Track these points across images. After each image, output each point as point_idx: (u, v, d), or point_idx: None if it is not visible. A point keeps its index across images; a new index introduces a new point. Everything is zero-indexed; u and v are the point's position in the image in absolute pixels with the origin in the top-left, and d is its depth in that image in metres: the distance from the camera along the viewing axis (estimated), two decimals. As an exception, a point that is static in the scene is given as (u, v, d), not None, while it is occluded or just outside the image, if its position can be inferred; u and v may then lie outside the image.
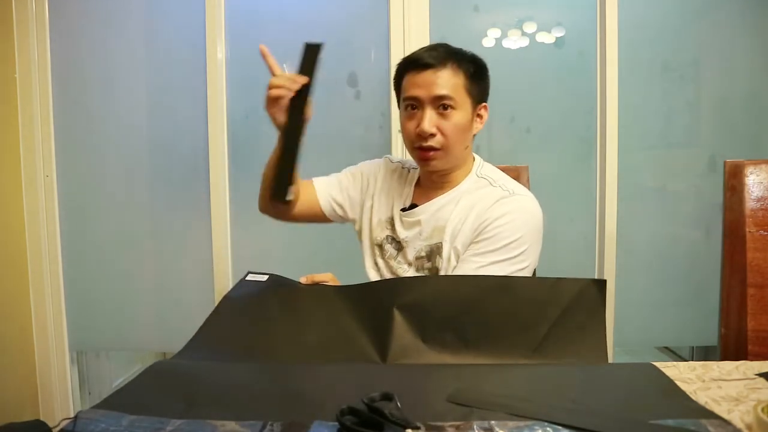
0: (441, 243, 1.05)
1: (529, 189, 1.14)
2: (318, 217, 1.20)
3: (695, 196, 1.78)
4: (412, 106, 1.04)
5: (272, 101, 0.94)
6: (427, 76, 1.01)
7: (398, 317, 0.81)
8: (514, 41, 1.75)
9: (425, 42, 1.70)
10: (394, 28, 1.70)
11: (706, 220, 1.77)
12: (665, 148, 1.78)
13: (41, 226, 1.77)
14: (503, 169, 1.16)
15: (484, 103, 1.09)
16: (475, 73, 1.05)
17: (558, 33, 1.74)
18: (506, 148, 1.77)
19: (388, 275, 1.11)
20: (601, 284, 0.82)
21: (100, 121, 1.79)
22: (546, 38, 1.74)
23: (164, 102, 1.79)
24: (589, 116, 1.76)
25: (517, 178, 1.17)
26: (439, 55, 1.02)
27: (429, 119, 1.01)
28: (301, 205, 1.16)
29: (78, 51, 1.77)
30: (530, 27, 1.74)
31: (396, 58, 1.69)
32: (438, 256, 1.05)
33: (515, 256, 1.00)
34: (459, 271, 1.01)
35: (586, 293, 0.82)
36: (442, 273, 1.05)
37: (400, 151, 1.72)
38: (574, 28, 1.74)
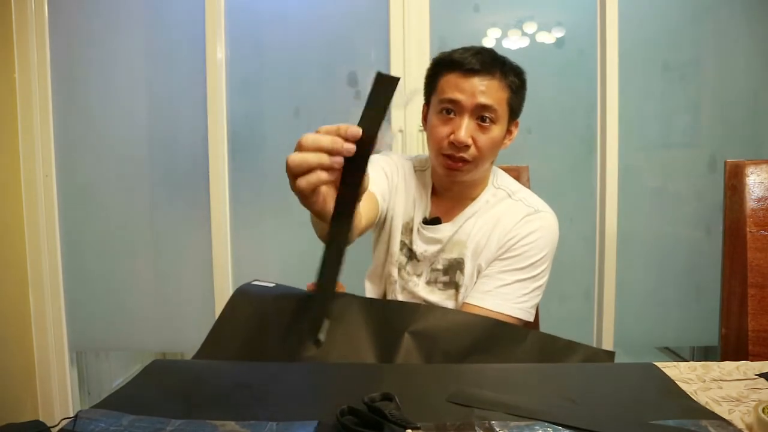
0: (462, 259, 1.03)
1: (529, 189, 1.14)
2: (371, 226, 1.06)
3: (695, 196, 1.78)
4: (448, 110, 0.98)
5: (306, 185, 0.52)
6: (473, 82, 0.95)
7: (407, 341, 0.80)
8: (514, 41, 1.75)
9: (425, 42, 1.70)
10: (394, 28, 1.70)
11: (707, 220, 1.77)
12: (665, 148, 1.79)
13: (41, 226, 1.77)
14: (504, 169, 1.16)
15: (516, 120, 1.04)
16: (519, 87, 1.01)
17: (558, 33, 1.74)
18: (506, 148, 1.77)
19: (397, 285, 1.08)
20: (610, 355, 0.83)
21: (99, 120, 1.79)
22: (546, 38, 1.74)
23: (164, 102, 1.79)
24: (589, 116, 1.76)
25: (517, 178, 1.17)
26: (486, 61, 0.96)
27: (466, 129, 0.95)
28: (368, 220, 0.98)
29: (78, 51, 1.77)
30: (530, 27, 1.74)
31: (396, 58, 1.69)
32: (458, 271, 1.03)
33: (537, 274, 1.00)
34: (480, 287, 1.00)
35: (594, 361, 0.82)
36: (462, 289, 1.03)
37: (399, 151, 1.72)
38: (574, 28, 1.74)
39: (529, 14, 1.74)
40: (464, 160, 0.98)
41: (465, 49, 0.99)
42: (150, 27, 1.79)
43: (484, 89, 0.95)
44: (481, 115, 0.96)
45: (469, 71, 0.96)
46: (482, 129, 0.97)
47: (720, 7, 1.74)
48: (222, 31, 1.73)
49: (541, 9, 1.74)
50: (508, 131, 1.04)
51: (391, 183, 1.08)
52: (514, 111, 1.02)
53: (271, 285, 0.94)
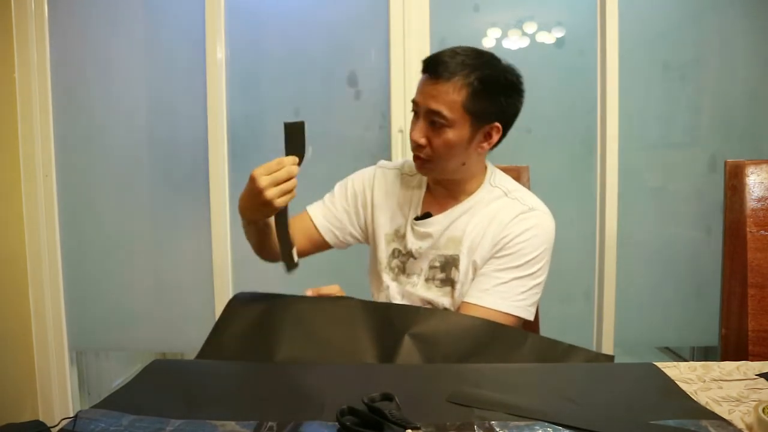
0: (457, 255, 1.03)
1: (529, 189, 1.14)
2: (324, 246, 1.15)
3: (696, 196, 1.78)
4: (413, 110, 1.01)
5: (283, 202, 0.87)
6: (429, 85, 0.97)
7: (408, 344, 0.81)
8: (515, 41, 1.75)
9: (425, 42, 1.70)
10: (394, 28, 1.70)
11: (707, 220, 1.77)
12: (665, 148, 1.78)
13: (40, 226, 1.77)
14: (503, 169, 1.16)
15: (496, 123, 1.00)
16: (483, 91, 0.95)
17: (558, 33, 1.74)
18: (506, 148, 1.77)
19: (389, 291, 1.09)
20: (609, 359, 0.84)
21: (99, 121, 1.79)
22: (546, 38, 1.74)
23: (164, 102, 1.79)
24: (589, 116, 1.75)
25: (517, 178, 1.17)
26: (449, 66, 0.95)
27: (419, 130, 0.99)
28: (301, 240, 1.09)
29: (77, 51, 1.77)
30: (530, 27, 1.74)
31: (396, 58, 1.69)
32: (454, 267, 1.03)
33: (534, 272, 1.00)
34: (478, 285, 1.00)
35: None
36: (458, 286, 1.03)
37: (399, 151, 1.72)
38: (574, 28, 1.74)
39: (529, 14, 1.73)
40: (422, 159, 1.01)
41: (444, 51, 0.99)
42: (150, 27, 1.79)
43: (435, 94, 0.96)
44: (432, 119, 0.97)
45: (431, 74, 0.97)
46: (435, 131, 0.98)
47: (720, 7, 1.74)
48: (222, 31, 1.73)
49: (541, 9, 1.74)
50: (487, 134, 1.01)
51: (358, 201, 1.13)
52: (479, 115, 0.98)
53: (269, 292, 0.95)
